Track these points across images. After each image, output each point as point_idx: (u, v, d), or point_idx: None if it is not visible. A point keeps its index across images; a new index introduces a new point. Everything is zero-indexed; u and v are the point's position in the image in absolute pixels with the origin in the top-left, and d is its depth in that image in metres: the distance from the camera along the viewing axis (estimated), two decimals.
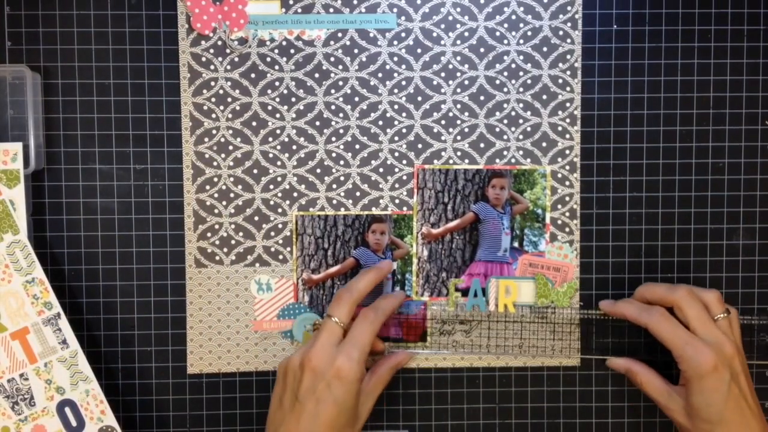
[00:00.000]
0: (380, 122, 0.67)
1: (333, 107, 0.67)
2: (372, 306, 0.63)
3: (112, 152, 0.67)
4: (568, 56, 0.67)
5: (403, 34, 0.67)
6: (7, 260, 0.64)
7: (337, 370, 0.59)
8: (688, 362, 0.60)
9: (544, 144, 0.67)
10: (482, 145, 0.67)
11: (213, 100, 0.67)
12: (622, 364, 0.66)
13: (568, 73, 0.67)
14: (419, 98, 0.67)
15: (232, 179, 0.67)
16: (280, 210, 0.67)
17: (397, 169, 0.68)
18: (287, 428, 0.59)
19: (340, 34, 0.67)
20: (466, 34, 0.67)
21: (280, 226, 0.67)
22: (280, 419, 0.60)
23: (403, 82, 0.67)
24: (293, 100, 0.67)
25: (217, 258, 0.67)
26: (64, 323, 0.64)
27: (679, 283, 0.65)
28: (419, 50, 0.67)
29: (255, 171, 0.67)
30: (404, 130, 0.67)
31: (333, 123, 0.67)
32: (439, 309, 0.67)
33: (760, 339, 0.67)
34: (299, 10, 0.66)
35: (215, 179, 0.67)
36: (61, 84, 0.66)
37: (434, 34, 0.67)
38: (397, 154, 0.67)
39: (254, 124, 0.67)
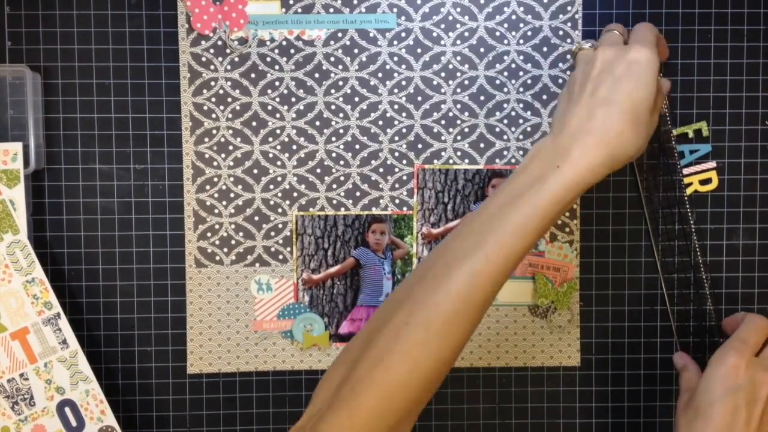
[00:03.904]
0: (380, 122, 0.67)
1: (333, 107, 0.67)
2: None
3: (112, 152, 0.67)
4: (568, 56, 0.67)
5: (403, 34, 0.67)
6: (7, 260, 0.64)
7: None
8: (719, 350, 0.60)
9: None
10: (482, 145, 0.67)
11: (213, 100, 0.67)
12: (679, 362, 0.65)
13: (568, 73, 0.67)
14: (419, 98, 0.67)
15: (232, 179, 0.67)
16: (280, 210, 0.67)
17: (397, 169, 0.68)
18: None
19: (340, 34, 0.67)
20: (466, 34, 0.67)
21: (280, 226, 0.67)
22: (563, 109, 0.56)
23: (403, 82, 0.67)
24: (293, 100, 0.67)
25: (217, 258, 0.67)
26: (64, 323, 0.64)
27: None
28: (419, 50, 0.67)
29: (255, 171, 0.67)
30: (404, 130, 0.67)
31: (333, 123, 0.67)
32: None
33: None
34: (299, 10, 0.66)
35: (215, 179, 0.67)
36: (61, 84, 0.66)
37: (434, 34, 0.67)
38: (397, 154, 0.67)
39: (254, 124, 0.67)
